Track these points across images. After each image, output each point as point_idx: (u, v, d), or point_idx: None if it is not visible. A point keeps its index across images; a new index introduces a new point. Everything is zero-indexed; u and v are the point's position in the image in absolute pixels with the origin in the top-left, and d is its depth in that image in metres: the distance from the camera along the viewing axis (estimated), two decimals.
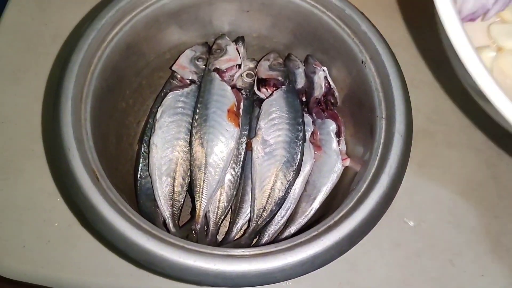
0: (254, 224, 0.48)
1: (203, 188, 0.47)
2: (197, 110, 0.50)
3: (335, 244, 0.38)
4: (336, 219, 0.40)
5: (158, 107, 0.51)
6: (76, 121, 0.41)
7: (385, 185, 0.41)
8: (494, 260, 0.54)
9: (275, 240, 0.48)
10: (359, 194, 0.41)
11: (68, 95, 0.41)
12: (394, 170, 0.41)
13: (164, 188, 0.48)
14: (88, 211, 0.38)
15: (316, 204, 0.50)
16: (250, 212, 0.48)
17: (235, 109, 0.50)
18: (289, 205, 0.50)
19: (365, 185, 0.42)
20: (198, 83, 0.53)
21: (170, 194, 0.48)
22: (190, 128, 0.50)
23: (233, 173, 0.50)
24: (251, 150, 0.50)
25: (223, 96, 0.50)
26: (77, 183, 0.39)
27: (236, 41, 0.54)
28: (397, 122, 0.43)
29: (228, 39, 0.54)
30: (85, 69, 0.43)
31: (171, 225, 0.47)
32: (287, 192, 0.48)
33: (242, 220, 0.49)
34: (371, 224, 0.40)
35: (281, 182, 0.48)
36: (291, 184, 0.49)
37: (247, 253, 0.38)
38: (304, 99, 0.55)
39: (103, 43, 0.45)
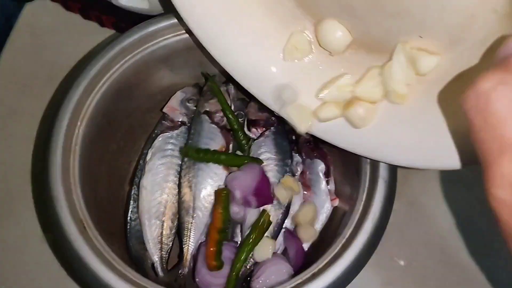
0: (243, 268, 0.48)
1: (190, 232, 0.48)
2: None
3: None
4: (320, 266, 0.40)
5: (148, 149, 0.52)
6: (64, 171, 0.42)
7: (368, 231, 0.41)
8: None
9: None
10: (344, 240, 0.41)
11: (57, 145, 0.42)
12: (377, 216, 0.42)
13: (153, 231, 0.48)
14: (75, 261, 0.39)
15: (305, 246, 0.50)
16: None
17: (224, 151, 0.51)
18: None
19: (349, 231, 0.42)
20: (189, 124, 0.53)
21: (159, 238, 0.48)
22: (179, 170, 0.51)
23: None
24: None
25: (212, 139, 0.51)
26: (64, 233, 0.39)
27: (226, 82, 0.55)
28: (381, 167, 0.43)
29: (219, 81, 0.55)
30: (75, 119, 0.44)
31: (159, 269, 0.48)
32: (276, 234, 0.49)
33: None
34: (355, 271, 0.40)
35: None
36: (280, 225, 0.49)
37: None
38: (294, 137, 0.56)
39: (93, 91, 0.46)
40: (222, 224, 0.46)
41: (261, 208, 0.48)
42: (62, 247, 0.39)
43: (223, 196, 0.47)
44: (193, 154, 0.49)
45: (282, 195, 0.48)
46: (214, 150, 0.49)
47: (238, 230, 0.51)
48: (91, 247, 0.39)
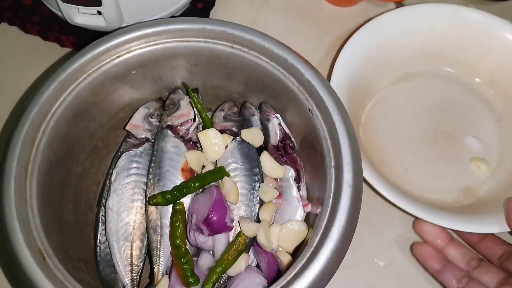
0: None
1: (160, 251, 0.47)
2: (151, 170, 0.50)
3: None
4: (288, 278, 0.39)
5: (113, 169, 0.51)
6: (20, 201, 0.40)
7: (335, 239, 0.40)
8: None
9: None
10: (311, 249, 0.40)
11: (10, 175, 0.41)
12: (343, 223, 0.40)
13: (122, 253, 0.47)
14: None
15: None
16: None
17: (189, 166, 0.50)
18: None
19: (317, 239, 0.41)
20: (153, 140, 0.52)
21: (129, 259, 0.47)
22: (145, 189, 0.49)
23: None
24: None
25: (176, 154, 0.50)
26: (22, 266, 0.38)
27: (194, 90, 0.54)
28: (345, 171, 0.42)
29: (181, 93, 0.54)
30: (29, 146, 0.43)
31: None
32: (248, 247, 0.48)
33: None
34: (324, 280, 0.39)
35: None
36: (252, 239, 0.48)
37: None
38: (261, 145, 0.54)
39: (47, 116, 0.44)
40: (176, 239, 0.45)
41: (230, 233, 0.47)
42: (20, 281, 0.38)
43: (176, 209, 0.46)
44: (161, 201, 0.46)
45: (249, 230, 0.46)
46: (179, 185, 0.48)
47: None
48: (50, 279, 0.38)
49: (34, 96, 0.44)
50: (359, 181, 0.43)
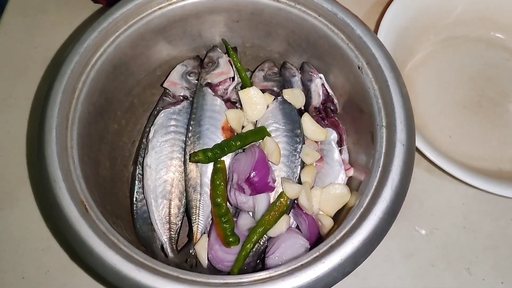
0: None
1: (199, 209, 0.46)
2: (190, 128, 0.48)
3: (338, 266, 0.36)
4: (338, 238, 0.38)
5: (150, 127, 0.49)
6: (61, 150, 0.39)
7: (388, 199, 0.38)
8: None
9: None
10: (362, 210, 0.39)
11: (52, 124, 0.40)
12: (397, 183, 0.39)
13: (160, 211, 0.46)
14: (77, 244, 0.36)
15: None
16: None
17: (229, 125, 0.48)
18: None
19: (367, 200, 0.39)
20: (191, 99, 0.51)
21: (167, 217, 0.46)
22: (184, 147, 0.48)
23: None
24: None
25: (217, 112, 0.48)
26: (65, 215, 0.37)
27: (234, 49, 0.52)
28: (398, 130, 0.40)
29: (220, 51, 0.52)
30: (69, 96, 0.41)
31: (168, 250, 0.46)
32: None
33: None
34: (375, 241, 0.38)
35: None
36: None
37: (244, 280, 0.36)
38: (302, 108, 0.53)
39: (87, 66, 0.43)
40: (217, 198, 0.44)
41: (272, 193, 0.46)
42: (64, 230, 0.37)
43: (217, 167, 0.45)
44: (202, 159, 0.45)
45: (291, 191, 0.45)
46: (220, 144, 0.46)
47: None
48: (93, 229, 0.37)
49: (75, 45, 0.43)
50: (412, 141, 0.41)
